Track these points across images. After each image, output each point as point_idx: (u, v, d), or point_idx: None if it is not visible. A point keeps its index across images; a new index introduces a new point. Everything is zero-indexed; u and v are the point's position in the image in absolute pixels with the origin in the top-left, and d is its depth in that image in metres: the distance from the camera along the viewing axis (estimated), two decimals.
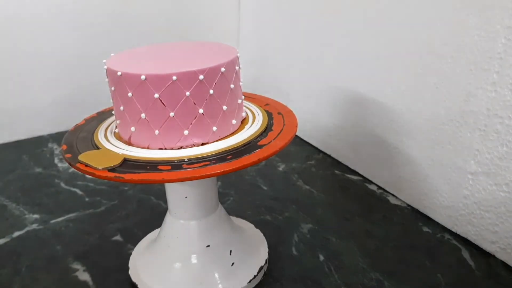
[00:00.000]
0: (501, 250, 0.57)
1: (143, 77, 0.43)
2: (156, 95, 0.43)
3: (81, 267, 0.60)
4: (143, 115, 0.45)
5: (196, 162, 0.43)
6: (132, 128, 0.46)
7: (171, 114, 0.44)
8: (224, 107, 0.47)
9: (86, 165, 0.43)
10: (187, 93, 0.43)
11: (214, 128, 0.46)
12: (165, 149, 0.46)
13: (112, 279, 0.57)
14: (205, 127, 0.46)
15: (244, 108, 0.54)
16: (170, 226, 0.54)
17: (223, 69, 0.45)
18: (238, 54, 0.49)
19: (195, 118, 0.45)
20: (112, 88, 0.47)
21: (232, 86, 0.48)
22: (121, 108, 0.46)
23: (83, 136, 0.50)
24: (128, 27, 1.05)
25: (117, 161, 0.43)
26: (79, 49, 1.02)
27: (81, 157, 0.44)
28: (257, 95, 0.60)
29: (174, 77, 0.42)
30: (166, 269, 0.53)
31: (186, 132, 0.45)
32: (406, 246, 0.61)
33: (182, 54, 0.51)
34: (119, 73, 0.44)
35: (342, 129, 0.83)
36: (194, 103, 0.44)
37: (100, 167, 0.42)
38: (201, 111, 0.45)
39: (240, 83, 0.50)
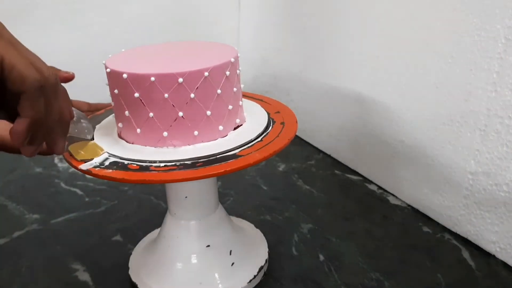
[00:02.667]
0: (501, 250, 0.57)
1: (152, 78, 0.43)
2: (166, 95, 0.43)
3: (81, 267, 0.60)
4: (151, 114, 0.45)
5: (165, 165, 0.42)
6: (138, 130, 0.46)
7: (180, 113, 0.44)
8: (230, 107, 0.47)
9: (70, 155, 0.44)
10: (192, 95, 0.44)
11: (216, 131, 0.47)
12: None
13: (112, 279, 0.57)
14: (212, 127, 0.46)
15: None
16: (170, 226, 0.54)
17: (227, 73, 0.45)
18: (238, 55, 0.49)
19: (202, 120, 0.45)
20: (116, 91, 0.46)
21: (235, 89, 0.48)
22: (126, 113, 0.46)
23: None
24: (127, 27, 1.05)
25: (97, 155, 0.44)
26: (79, 49, 1.02)
27: (71, 148, 0.45)
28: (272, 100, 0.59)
29: (180, 79, 0.43)
30: (166, 269, 0.53)
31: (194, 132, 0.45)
32: (406, 246, 0.61)
33: (182, 54, 0.51)
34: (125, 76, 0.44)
35: (342, 129, 0.83)
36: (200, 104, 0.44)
37: (79, 158, 0.43)
38: (208, 113, 0.45)
39: (234, 89, 0.49)
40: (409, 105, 0.66)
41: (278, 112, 0.54)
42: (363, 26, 0.73)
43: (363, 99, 0.76)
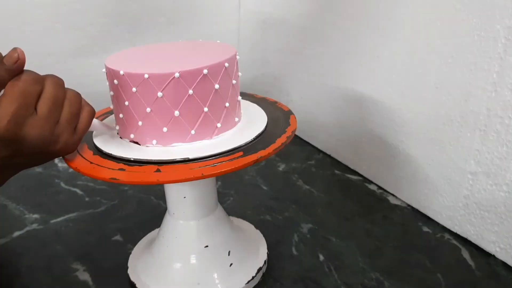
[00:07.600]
0: (501, 250, 0.57)
1: (146, 75, 0.42)
2: (160, 94, 0.43)
3: (81, 267, 0.60)
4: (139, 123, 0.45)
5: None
6: (132, 135, 0.46)
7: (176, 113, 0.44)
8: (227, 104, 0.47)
9: None
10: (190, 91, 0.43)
11: (218, 125, 0.46)
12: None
13: (112, 279, 0.57)
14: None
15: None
16: (169, 226, 0.54)
17: (226, 64, 0.45)
18: (236, 53, 0.49)
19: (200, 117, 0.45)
20: (111, 91, 0.47)
21: (234, 81, 0.47)
22: (120, 115, 0.46)
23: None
24: (127, 27, 1.05)
25: None
26: (79, 49, 1.02)
27: None
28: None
29: (177, 74, 0.42)
30: (165, 269, 0.53)
31: (193, 131, 0.45)
32: (406, 246, 0.61)
33: (181, 52, 0.50)
34: (122, 72, 0.44)
35: (342, 129, 0.83)
36: (199, 101, 0.44)
37: None
38: (205, 109, 0.45)
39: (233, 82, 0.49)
40: (409, 105, 0.66)
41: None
42: (362, 26, 0.73)
43: (363, 99, 0.76)
